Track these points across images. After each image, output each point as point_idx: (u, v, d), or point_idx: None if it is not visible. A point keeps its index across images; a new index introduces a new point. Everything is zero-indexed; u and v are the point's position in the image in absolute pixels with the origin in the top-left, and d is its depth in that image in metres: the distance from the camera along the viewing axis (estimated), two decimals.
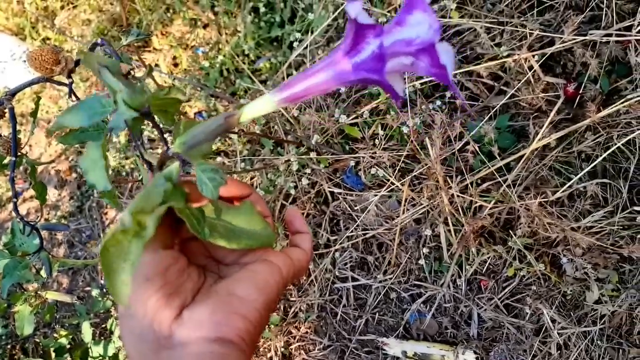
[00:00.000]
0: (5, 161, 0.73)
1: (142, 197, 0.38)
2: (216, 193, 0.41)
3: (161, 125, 0.44)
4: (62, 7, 2.27)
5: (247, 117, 0.42)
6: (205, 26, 2.00)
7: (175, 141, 0.42)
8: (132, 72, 0.67)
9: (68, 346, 1.46)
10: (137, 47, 2.13)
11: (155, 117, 0.43)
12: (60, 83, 0.69)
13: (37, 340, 1.64)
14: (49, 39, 2.31)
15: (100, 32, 2.11)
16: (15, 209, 0.67)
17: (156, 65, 2.09)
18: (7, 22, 2.41)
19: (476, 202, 1.31)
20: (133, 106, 0.39)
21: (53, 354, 1.48)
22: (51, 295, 0.97)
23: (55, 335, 1.51)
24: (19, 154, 0.72)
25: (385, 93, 0.35)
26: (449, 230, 1.38)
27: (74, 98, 0.68)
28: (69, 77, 0.64)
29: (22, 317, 0.92)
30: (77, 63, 0.64)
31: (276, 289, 0.43)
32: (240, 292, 0.41)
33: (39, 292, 0.95)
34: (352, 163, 1.52)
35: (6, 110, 0.75)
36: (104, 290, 1.62)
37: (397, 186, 1.42)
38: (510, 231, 1.36)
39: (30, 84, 0.66)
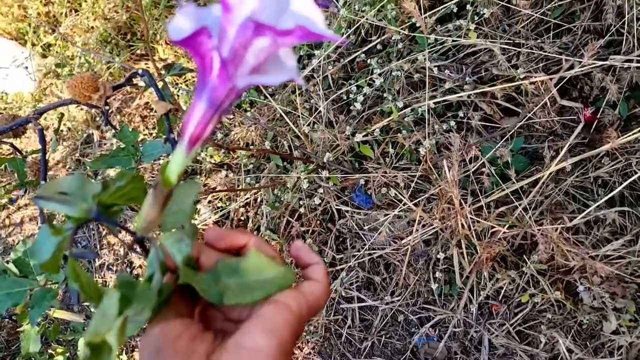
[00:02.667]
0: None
1: (96, 318, 0.37)
2: (187, 260, 0.41)
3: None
4: (64, 14, 2.23)
5: (173, 178, 0.40)
6: None
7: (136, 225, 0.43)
8: (171, 110, 0.64)
9: None
10: (141, 55, 2.10)
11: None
12: (93, 106, 0.65)
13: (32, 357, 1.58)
14: (50, 45, 2.27)
15: (104, 40, 2.08)
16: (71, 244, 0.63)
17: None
18: (8, 27, 2.37)
19: (493, 227, 1.28)
20: (79, 217, 0.39)
21: None
22: (60, 315, 0.92)
23: (50, 351, 1.45)
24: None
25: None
26: (462, 253, 1.35)
27: (107, 124, 0.65)
28: (105, 104, 0.61)
29: (28, 336, 0.88)
30: (114, 88, 0.61)
31: (288, 329, 0.40)
32: (248, 342, 0.38)
33: (47, 311, 0.91)
34: (362, 181, 1.49)
35: (27, 128, 0.71)
36: None
37: (408, 206, 1.39)
38: (524, 256, 1.33)
39: (61, 104, 0.62)
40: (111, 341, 0.35)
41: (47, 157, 0.93)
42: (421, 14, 1.21)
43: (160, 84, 0.85)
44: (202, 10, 0.34)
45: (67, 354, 1.34)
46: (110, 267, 1.97)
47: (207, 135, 0.39)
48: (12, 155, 0.97)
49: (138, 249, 0.48)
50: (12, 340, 1.87)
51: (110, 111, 2.11)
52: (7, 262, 0.75)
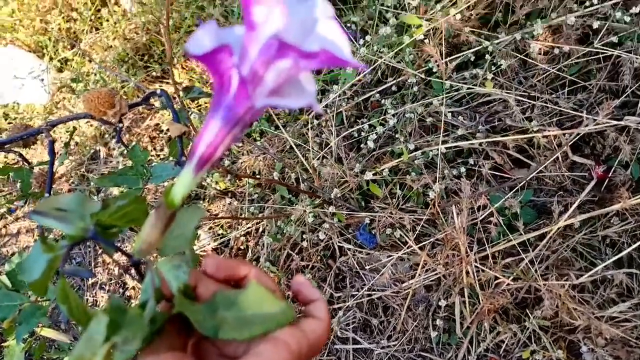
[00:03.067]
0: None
1: (81, 342, 0.35)
2: (184, 289, 0.40)
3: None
4: (85, 31, 2.26)
5: (177, 200, 0.39)
6: None
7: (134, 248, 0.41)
8: (186, 133, 0.63)
9: None
10: (156, 77, 2.11)
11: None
12: (107, 122, 0.65)
13: None
14: (67, 60, 2.29)
15: (121, 59, 2.10)
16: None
17: (174, 97, 2.06)
18: (27, 39, 2.40)
19: (497, 278, 1.26)
20: (75, 236, 0.39)
21: None
22: (46, 333, 0.90)
23: None
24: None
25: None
26: (464, 302, 1.33)
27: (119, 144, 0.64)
28: (120, 121, 0.60)
29: (12, 352, 0.85)
30: (130, 106, 0.61)
31: None
32: None
33: (34, 328, 0.88)
34: (367, 220, 1.48)
35: (38, 139, 0.70)
36: None
37: (412, 249, 1.37)
38: (527, 310, 1.31)
39: (74, 118, 0.62)
40: None
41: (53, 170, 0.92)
42: (441, 58, 1.22)
43: (177, 106, 0.85)
44: (224, 29, 0.33)
45: None
46: (103, 286, 1.94)
47: (218, 157, 0.38)
48: (19, 165, 0.96)
49: (133, 272, 0.46)
50: None
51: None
52: (0, 273, 0.73)
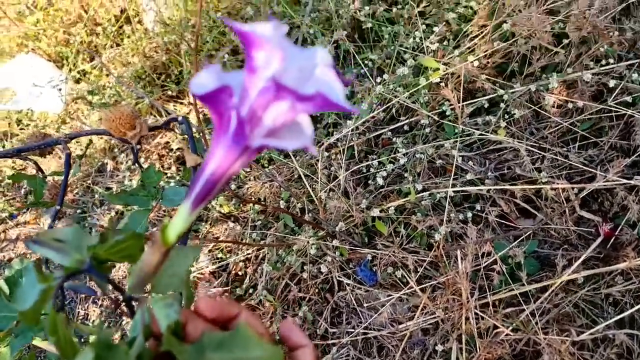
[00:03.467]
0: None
1: None
2: (173, 328, 0.40)
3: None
4: (106, 46, 2.30)
5: (172, 237, 0.40)
6: None
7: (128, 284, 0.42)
8: (201, 164, 0.64)
9: None
10: (171, 97, 2.14)
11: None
12: (125, 141, 0.65)
13: None
14: (86, 72, 2.32)
15: (138, 76, 2.13)
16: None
17: (185, 117, 2.08)
18: (49, 49, 2.44)
19: (497, 327, 1.24)
20: (71, 267, 0.39)
21: None
22: (38, 343, 0.88)
23: None
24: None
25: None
26: (461, 349, 1.31)
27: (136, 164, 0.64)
28: (138, 143, 0.61)
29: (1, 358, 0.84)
30: (151, 129, 0.62)
31: None
32: None
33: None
34: (369, 257, 1.47)
35: (54, 149, 0.71)
36: (81, 339, 1.50)
37: (412, 290, 1.36)
38: None
39: (93, 133, 0.62)
40: None
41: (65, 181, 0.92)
42: (458, 102, 1.24)
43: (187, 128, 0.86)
44: (227, 72, 0.35)
45: None
46: (96, 300, 1.92)
47: (214, 194, 0.39)
48: (25, 172, 0.96)
49: (125, 308, 0.46)
50: None
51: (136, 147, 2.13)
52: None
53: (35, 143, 0.65)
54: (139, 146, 0.63)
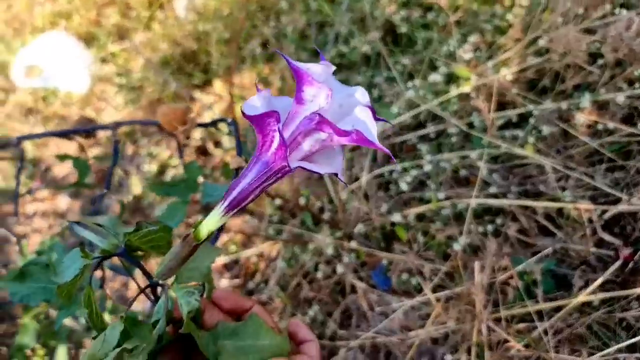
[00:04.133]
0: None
1: (96, 343, 0.40)
2: (194, 314, 0.45)
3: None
4: (136, 29, 2.31)
5: (203, 234, 0.44)
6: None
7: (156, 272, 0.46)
8: (243, 168, 0.66)
9: None
10: (196, 86, 2.15)
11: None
12: (171, 134, 0.67)
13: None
14: (114, 54, 2.34)
15: (166, 62, 2.14)
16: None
17: (209, 107, 2.09)
18: (80, 28, 2.46)
19: (508, 341, 1.24)
20: (108, 250, 0.44)
21: None
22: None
23: (28, 350, 1.40)
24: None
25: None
26: None
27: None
28: (187, 137, 0.63)
29: (26, 329, 0.86)
30: (199, 125, 0.63)
31: None
32: None
33: (49, 312, 0.89)
34: (385, 262, 1.47)
35: (97, 133, 0.72)
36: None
37: (426, 299, 1.35)
38: None
39: (143, 123, 0.63)
40: None
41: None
42: (489, 114, 1.23)
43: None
44: (276, 97, 0.40)
45: (46, 358, 1.29)
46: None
47: (246, 203, 0.44)
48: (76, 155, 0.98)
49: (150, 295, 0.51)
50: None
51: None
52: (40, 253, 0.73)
53: (83, 127, 0.66)
54: (186, 141, 0.64)
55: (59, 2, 2.49)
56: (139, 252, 0.47)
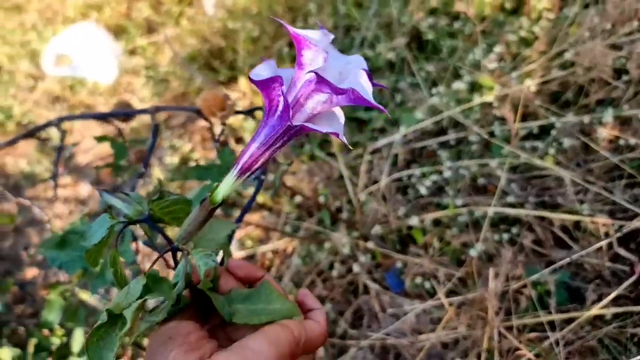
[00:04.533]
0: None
1: (120, 294, 0.43)
2: (211, 278, 0.49)
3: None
4: (165, 24, 2.36)
5: (219, 197, 0.48)
6: None
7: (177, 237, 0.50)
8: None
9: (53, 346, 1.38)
10: (221, 82, 2.18)
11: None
12: (208, 120, 0.70)
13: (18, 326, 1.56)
14: (143, 48, 2.39)
15: (193, 57, 2.18)
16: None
17: (224, 124, 2.12)
18: (110, 20, 2.52)
19: (518, 349, 1.25)
20: (132, 216, 0.48)
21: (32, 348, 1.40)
22: (85, 296, 0.93)
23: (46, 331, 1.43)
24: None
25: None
26: None
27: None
28: (223, 123, 0.66)
29: (52, 305, 0.89)
30: (236, 112, 0.66)
31: (288, 346, 0.45)
32: (252, 345, 0.44)
33: (75, 289, 0.92)
34: (399, 264, 1.48)
35: (135, 117, 0.75)
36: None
37: (439, 303, 1.37)
38: None
39: (182, 109, 0.67)
40: (127, 316, 0.41)
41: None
42: (514, 123, 1.25)
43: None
44: (281, 68, 0.43)
45: (64, 338, 1.32)
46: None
47: (257, 167, 0.47)
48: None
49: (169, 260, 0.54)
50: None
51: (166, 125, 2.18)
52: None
53: (122, 110, 0.70)
54: (224, 127, 0.67)
55: None
56: (160, 225, 0.51)
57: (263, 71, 0.41)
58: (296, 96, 0.42)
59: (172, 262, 0.53)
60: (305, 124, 0.42)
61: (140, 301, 0.42)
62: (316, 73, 0.39)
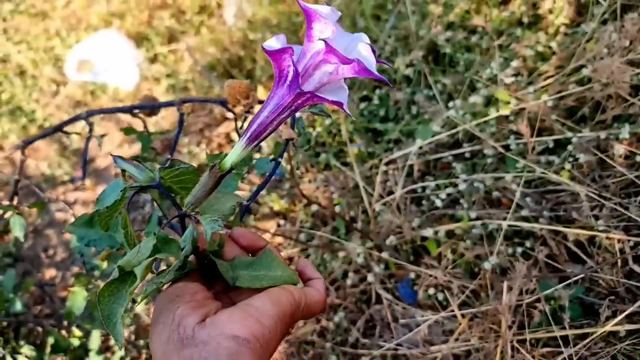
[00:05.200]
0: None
1: (131, 253, 0.46)
2: (217, 245, 0.52)
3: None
4: (185, 32, 2.40)
5: (228, 164, 0.50)
6: None
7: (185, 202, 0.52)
8: (293, 139, 0.70)
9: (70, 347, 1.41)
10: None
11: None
12: (230, 110, 0.72)
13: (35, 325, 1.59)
14: (163, 55, 2.43)
15: (211, 66, 2.22)
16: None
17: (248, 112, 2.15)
18: (131, 28, 2.57)
19: None
20: (144, 182, 0.50)
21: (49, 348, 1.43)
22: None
23: (63, 331, 1.46)
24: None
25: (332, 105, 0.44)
26: None
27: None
28: (247, 112, 0.67)
29: (75, 298, 0.92)
30: (260, 102, 0.68)
31: (289, 306, 0.47)
32: (255, 303, 0.46)
33: (98, 282, 0.95)
34: (412, 275, 1.49)
35: (159, 111, 0.77)
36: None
37: (453, 315, 1.37)
38: None
39: (207, 101, 0.69)
40: (137, 273, 0.42)
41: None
42: (531, 138, 1.25)
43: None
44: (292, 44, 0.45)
45: (83, 340, 1.35)
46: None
47: (265, 135, 0.49)
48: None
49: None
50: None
51: (191, 129, 2.22)
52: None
53: (148, 103, 0.72)
54: (247, 115, 0.70)
55: (113, 2, 2.60)
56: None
57: (275, 43, 0.43)
58: (305, 66, 0.44)
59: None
60: (313, 92, 0.44)
61: (150, 259, 0.45)
62: (325, 41, 0.41)
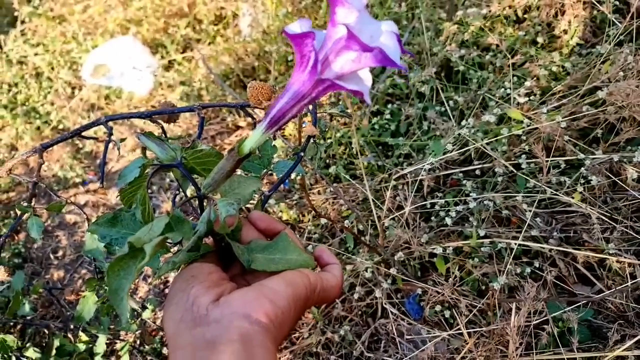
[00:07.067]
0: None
1: (143, 230, 0.46)
2: (229, 218, 0.50)
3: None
4: (200, 41, 2.42)
5: (247, 148, 0.50)
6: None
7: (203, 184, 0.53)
8: (315, 136, 0.71)
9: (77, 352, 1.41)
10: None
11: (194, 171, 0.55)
12: (249, 115, 0.73)
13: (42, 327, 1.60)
14: (179, 62, 2.45)
15: (225, 75, 2.23)
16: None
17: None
18: (147, 34, 2.59)
19: None
20: (165, 161, 0.51)
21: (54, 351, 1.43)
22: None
23: (69, 335, 1.47)
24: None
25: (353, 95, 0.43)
26: None
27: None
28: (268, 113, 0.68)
29: (86, 303, 0.93)
30: None
31: (304, 289, 0.47)
32: (270, 284, 0.46)
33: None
34: (419, 291, 1.49)
35: (179, 116, 0.78)
36: (135, 312, 1.58)
37: (459, 333, 1.36)
38: None
39: (226, 106, 0.70)
40: (147, 250, 0.42)
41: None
42: (545, 158, 1.25)
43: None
44: (316, 29, 0.44)
45: (90, 345, 1.35)
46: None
47: (285, 121, 0.49)
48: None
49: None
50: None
51: (207, 135, 2.23)
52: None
53: (167, 109, 0.73)
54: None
55: (130, 9, 2.63)
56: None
57: (297, 28, 0.42)
58: (326, 53, 0.43)
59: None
60: (333, 80, 0.43)
61: (161, 237, 0.45)
62: (347, 26, 0.40)
